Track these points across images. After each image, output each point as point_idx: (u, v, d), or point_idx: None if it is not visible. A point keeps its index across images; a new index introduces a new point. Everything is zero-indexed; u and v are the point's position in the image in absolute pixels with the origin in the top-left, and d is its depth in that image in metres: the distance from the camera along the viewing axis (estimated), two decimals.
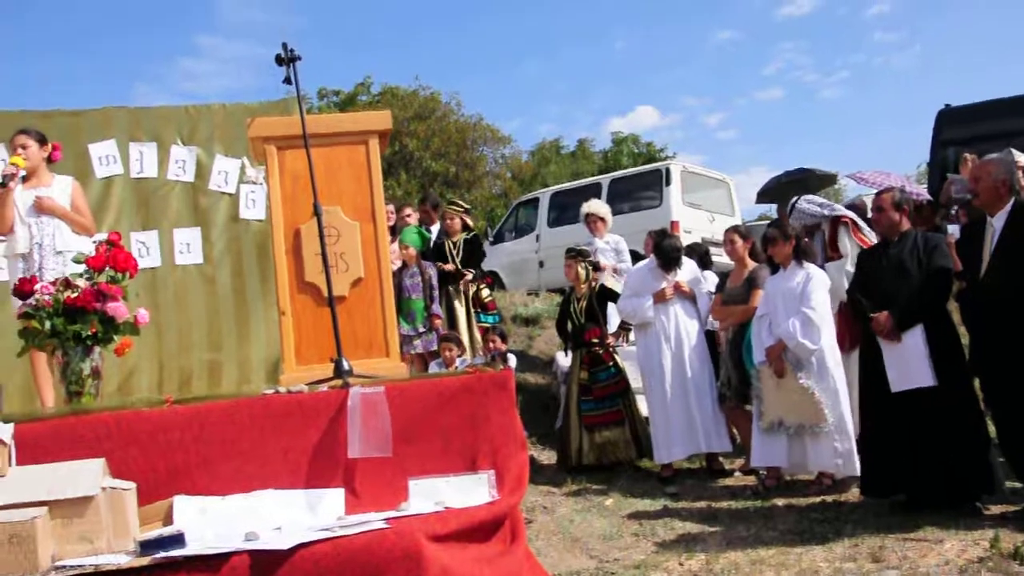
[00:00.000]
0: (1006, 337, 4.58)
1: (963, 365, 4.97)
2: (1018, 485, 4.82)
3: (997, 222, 4.76)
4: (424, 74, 66.10)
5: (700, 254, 7.58)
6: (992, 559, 3.97)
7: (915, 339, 4.94)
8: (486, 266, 9.86)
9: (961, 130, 12.78)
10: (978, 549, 4.14)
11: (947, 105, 13.48)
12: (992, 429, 4.98)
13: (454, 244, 8.21)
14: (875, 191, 6.16)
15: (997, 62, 61.46)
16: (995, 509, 4.80)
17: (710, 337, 6.84)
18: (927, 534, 4.50)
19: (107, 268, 3.87)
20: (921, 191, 9.06)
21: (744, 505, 5.56)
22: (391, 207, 8.34)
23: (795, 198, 7.07)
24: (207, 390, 6.01)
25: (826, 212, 6.66)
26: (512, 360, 7.61)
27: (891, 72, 63.88)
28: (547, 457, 7.50)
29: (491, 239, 14.46)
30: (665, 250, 6.75)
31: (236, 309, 6.36)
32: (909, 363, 4.93)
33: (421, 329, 7.76)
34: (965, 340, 5.11)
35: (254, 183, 6.33)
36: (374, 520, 3.17)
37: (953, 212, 8.97)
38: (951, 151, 12.31)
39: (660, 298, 6.63)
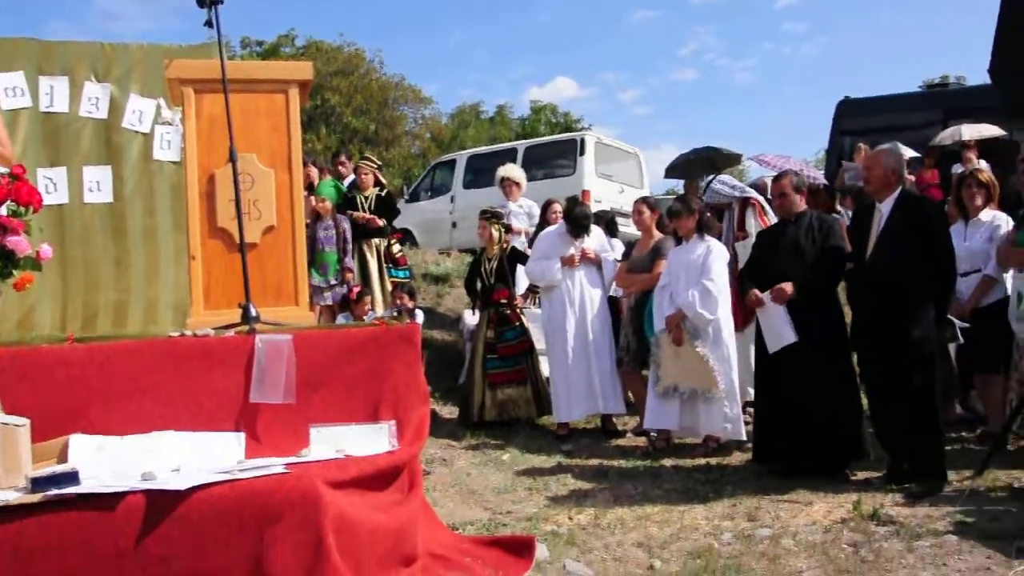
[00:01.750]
0: (886, 315, 4.88)
1: (844, 341, 5.29)
2: (883, 453, 5.17)
3: (885, 208, 5.06)
4: (349, 30, 64.77)
5: (607, 221, 7.77)
6: (854, 520, 4.31)
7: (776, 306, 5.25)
8: (400, 223, 9.92)
9: (858, 121, 13.41)
10: (842, 511, 4.48)
11: (846, 97, 14.08)
12: (865, 401, 5.32)
13: (366, 198, 8.23)
14: (775, 173, 6.44)
15: (895, 57, 63.64)
16: (861, 475, 5.16)
17: (613, 303, 7.05)
18: (799, 497, 4.82)
19: (8, 201, 3.80)
20: (818, 175, 9.46)
21: (634, 464, 5.81)
22: (313, 170, 8.39)
23: (711, 177, 7.34)
24: (112, 330, 5.93)
25: (737, 194, 6.97)
26: (420, 316, 7.71)
27: (797, 61, 65.62)
28: (449, 412, 7.65)
29: (407, 197, 14.48)
30: (575, 217, 6.91)
31: (146, 250, 6.24)
32: (776, 326, 5.25)
33: (333, 282, 7.80)
34: (848, 318, 5.41)
35: (169, 124, 6.21)
36: (274, 464, 3.22)
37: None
38: (847, 140, 12.92)
39: (568, 263, 6.81)
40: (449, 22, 59.13)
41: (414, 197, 14.70)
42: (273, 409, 3.58)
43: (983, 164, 7.62)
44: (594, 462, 5.97)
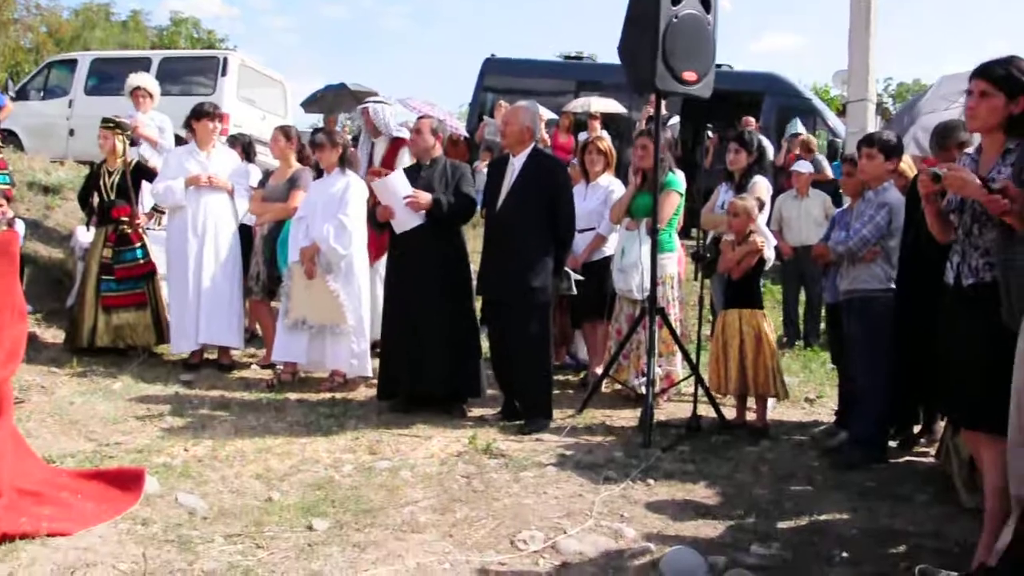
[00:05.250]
0: (510, 264, 5.18)
1: (468, 284, 5.54)
2: (498, 393, 5.52)
3: (517, 162, 5.34)
4: None
5: (243, 144, 7.41)
6: (468, 453, 4.57)
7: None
8: (4, 124, 8.69)
9: (501, 80, 14.20)
10: (458, 445, 4.71)
11: (492, 55, 14.77)
12: (485, 344, 5.63)
13: None
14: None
15: (543, 20, 67.42)
16: (477, 412, 5.47)
17: (246, 231, 6.76)
18: (419, 431, 5.00)
19: None
20: (460, 127, 9.84)
21: (257, 397, 5.66)
22: None
23: (375, 99, 7.25)
24: None
25: (392, 132, 6.92)
26: (20, 226, 6.84)
27: (447, 15, 67.24)
28: (53, 336, 6.92)
29: (12, 94, 12.74)
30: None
31: None
32: (402, 212, 5.36)
33: None
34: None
35: None
36: None
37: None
38: (490, 97, 13.62)
39: (193, 182, 6.38)
40: None
41: (22, 95, 12.97)
42: None
43: (604, 134, 8.32)
44: (216, 393, 5.73)
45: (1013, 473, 2.82)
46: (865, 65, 8.63)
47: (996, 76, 3.21)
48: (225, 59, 12.63)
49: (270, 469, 4.19)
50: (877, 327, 4.60)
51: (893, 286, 4.65)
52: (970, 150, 3.69)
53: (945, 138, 4.55)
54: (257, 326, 6.91)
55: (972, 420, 3.24)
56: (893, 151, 4.74)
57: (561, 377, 6.39)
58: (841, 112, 12.99)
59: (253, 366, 6.57)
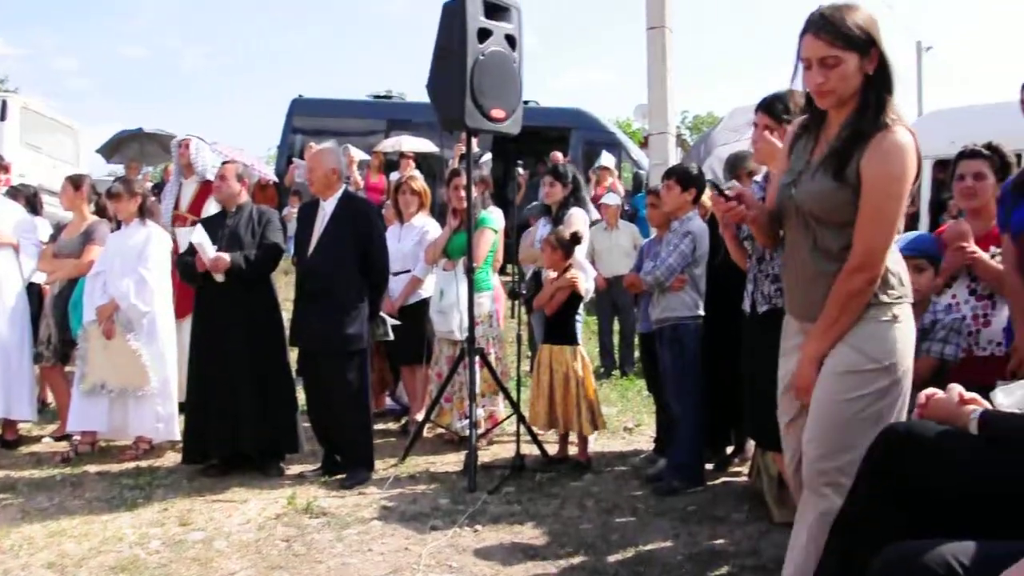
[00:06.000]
0: (323, 312, 5.00)
1: (280, 334, 5.32)
2: (317, 446, 5.31)
3: (328, 206, 5.20)
4: None
5: (27, 196, 6.85)
6: (288, 514, 4.36)
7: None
8: None
9: (310, 121, 13.99)
10: (277, 506, 4.49)
11: (300, 96, 14.51)
12: (301, 396, 5.41)
13: None
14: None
15: (351, 59, 66.94)
16: (296, 468, 5.22)
17: (34, 290, 6.23)
18: (234, 495, 4.73)
19: None
20: (269, 172, 9.57)
21: (50, 473, 5.18)
22: None
23: (213, 142, 6.90)
24: None
25: (207, 175, 6.58)
26: None
27: (251, 56, 65.72)
28: None
29: None
30: None
31: None
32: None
33: None
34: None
35: None
36: None
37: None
38: (299, 138, 13.40)
39: None
40: None
41: None
42: None
43: (417, 174, 8.31)
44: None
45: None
46: (663, 99, 9.02)
47: (776, 112, 3.40)
48: (4, 102, 11.82)
49: (65, 555, 3.82)
50: (688, 354, 4.75)
51: (701, 313, 4.82)
52: (758, 178, 3.90)
53: (736, 167, 4.81)
54: (49, 394, 6.35)
55: (776, 443, 3.37)
56: (690, 181, 4.92)
57: (382, 425, 6.23)
58: (644, 145, 13.55)
59: (45, 439, 6.01)
